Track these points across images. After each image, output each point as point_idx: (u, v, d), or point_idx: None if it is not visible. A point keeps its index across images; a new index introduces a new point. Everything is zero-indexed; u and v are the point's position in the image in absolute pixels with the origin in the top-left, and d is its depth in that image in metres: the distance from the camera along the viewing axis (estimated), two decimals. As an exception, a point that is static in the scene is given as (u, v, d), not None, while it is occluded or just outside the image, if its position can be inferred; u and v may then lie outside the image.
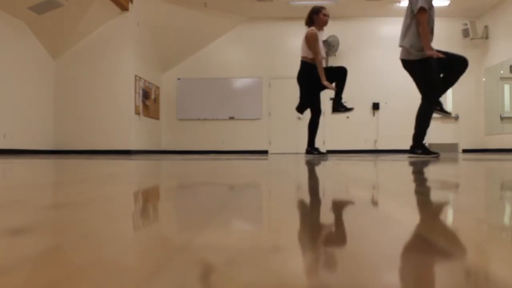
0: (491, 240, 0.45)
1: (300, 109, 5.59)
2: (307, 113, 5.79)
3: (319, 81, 5.39)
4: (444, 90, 4.55)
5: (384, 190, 0.99)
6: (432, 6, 4.38)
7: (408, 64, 4.52)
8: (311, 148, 5.60)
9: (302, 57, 5.47)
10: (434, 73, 4.41)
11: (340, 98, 5.41)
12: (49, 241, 0.43)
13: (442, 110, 4.52)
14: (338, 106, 5.42)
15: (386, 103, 11.75)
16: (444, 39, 10.36)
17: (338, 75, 5.33)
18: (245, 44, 11.91)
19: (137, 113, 9.96)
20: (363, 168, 2.20)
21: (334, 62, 11.78)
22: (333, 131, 11.50)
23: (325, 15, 5.41)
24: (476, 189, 1.03)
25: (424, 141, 4.59)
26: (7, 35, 8.00)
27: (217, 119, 11.92)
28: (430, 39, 4.37)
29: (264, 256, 0.37)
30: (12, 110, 8.13)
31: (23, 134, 8.45)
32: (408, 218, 0.59)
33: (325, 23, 5.41)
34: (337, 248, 0.40)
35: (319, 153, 5.61)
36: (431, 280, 0.30)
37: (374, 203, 0.76)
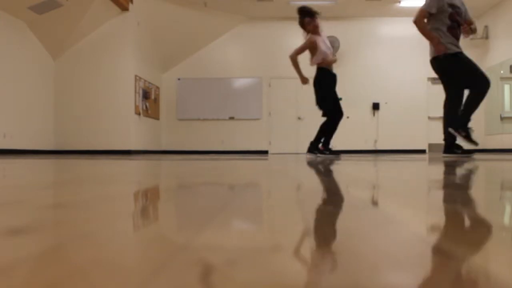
0: (491, 240, 0.45)
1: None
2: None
3: (331, 85, 5.44)
4: (463, 114, 4.64)
5: (384, 190, 0.99)
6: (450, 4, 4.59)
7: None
8: (313, 147, 5.56)
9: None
10: (454, 73, 4.61)
11: (326, 142, 5.50)
12: (49, 241, 0.43)
13: (467, 138, 4.64)
14: (313, 149, 5.47)
15: (386, 103, 11.75)
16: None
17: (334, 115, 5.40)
18: (245, 44, 11.90)
19: (137, 113, 9.96)
20: (363, 168, 2.20)
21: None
22: (333, 131, 11.49)
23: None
24: (476, 189, 1.03)
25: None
26: (7, 35, 8.00)
27: (217, 119, 11.92)
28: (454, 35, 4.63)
29: (264, 256, 0.37)
30: (12, 110, 8.13)
31: (23, 134, 8.45)
32: (408, 218, 0.59)
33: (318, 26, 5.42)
34: (337, 248, 0.40)
35: (321, 153, 5.57)
36: (431, 280, 0.30)
37: (374, 203, 0.76)
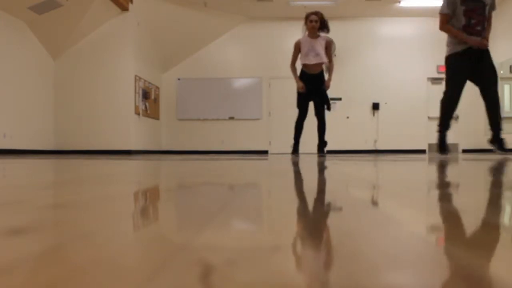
0: (491, 240, 0.45)
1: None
2: (308, 114, 5.88)
3: (309, 86, 5.54)
4: (490, 122, 4.72)
5: (384, 190, 0.99)
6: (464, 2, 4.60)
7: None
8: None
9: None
10: (451, 72, 4.72)
11: (323, 143, 5.68)
12: (49, 241, 0.43)
13: (498, 148, 4.69)
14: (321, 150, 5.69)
15: (386, 103, 11.75)
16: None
17: (318, 120, 5.65)
18: (245, 44, 11.90)
19: (137, 113, 9.96)
20: (363, 168, 2.20)
21: (334, 62, 11.78)
22: (333, 131, 11.48)
23: (311, 21, 5.48)
24: (476, 189, 1.03)
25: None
26: (7, 35, 8.00)
27: (217, 119, 11.91)
28: (469, 33, 4.63)
29: (264, 256, 0.37)
30: (12, 110, 8.13)
31: (23, 134, 8.44)
32: (408, 218, 0.59)
33: (311, 28, 5.49)
34: (337, 248, 0.40)
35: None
36: (431, 280, 0.30)
37: (374, 203, 0.76)
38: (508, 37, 10.44)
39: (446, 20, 4.66)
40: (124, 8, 9.41)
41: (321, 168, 2.16)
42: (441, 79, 10.68)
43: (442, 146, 4.79)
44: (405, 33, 11.41)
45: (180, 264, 0.34)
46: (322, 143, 5.70)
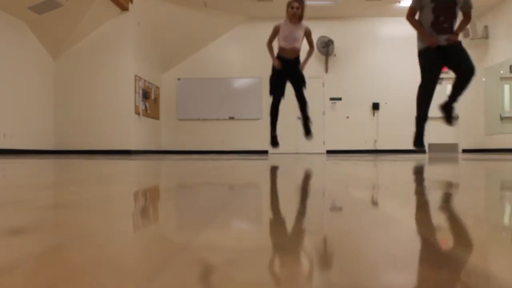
0: (490, 239, 0.45)
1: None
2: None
3: (284, 69, 5.75)
4: (451, 99, 4.70)
5: (384, 190, 0.99)
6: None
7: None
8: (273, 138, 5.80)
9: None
10: (425, 66, 4.70)
11: (306, 118, 5.77)
12: (49, 241, 0.43)
13: (446, 117, 4.66)
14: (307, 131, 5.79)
15: (386, 103, 11.75)
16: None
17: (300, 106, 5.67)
18: (245, 44, 11.90)
19: (137, 113, 9.96)
20: (362, 168, 2.20)
21: (334, 62, 11.78)
22: (333, 131, 11.51)
23: (292, 7, 5.49)
24: (476, 189, 1.03)
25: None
26: (7, 35, 8.00)
27: (217, 119, 11.91)
28: (434, 29, 4.61)
29: (264, 256, 0.37)
30: (12, 110, 8.13)
31: (23, 134, 8.44)
32: (408, 218, 0.59)
33: (292, 15, 5.50)
34: (337, 248, 0.40)
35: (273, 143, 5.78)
36: (431, 280, 0.30)
37: (374, 203, 0.76)
38: (508, 37, 10.44)
39: (412, 13, 4.70)
40: (124, 8, 9.41)
41: (321, 168, 2.16)
42: (441, 79, 10.67)
43: (419, 140, 4.75)
44: (405, 33, 11.36)
45: (180, 264, 0.34)
46: (306, 118, 5.78)
